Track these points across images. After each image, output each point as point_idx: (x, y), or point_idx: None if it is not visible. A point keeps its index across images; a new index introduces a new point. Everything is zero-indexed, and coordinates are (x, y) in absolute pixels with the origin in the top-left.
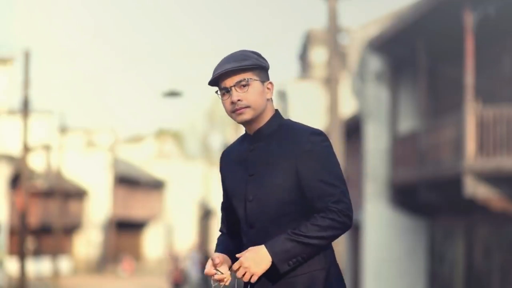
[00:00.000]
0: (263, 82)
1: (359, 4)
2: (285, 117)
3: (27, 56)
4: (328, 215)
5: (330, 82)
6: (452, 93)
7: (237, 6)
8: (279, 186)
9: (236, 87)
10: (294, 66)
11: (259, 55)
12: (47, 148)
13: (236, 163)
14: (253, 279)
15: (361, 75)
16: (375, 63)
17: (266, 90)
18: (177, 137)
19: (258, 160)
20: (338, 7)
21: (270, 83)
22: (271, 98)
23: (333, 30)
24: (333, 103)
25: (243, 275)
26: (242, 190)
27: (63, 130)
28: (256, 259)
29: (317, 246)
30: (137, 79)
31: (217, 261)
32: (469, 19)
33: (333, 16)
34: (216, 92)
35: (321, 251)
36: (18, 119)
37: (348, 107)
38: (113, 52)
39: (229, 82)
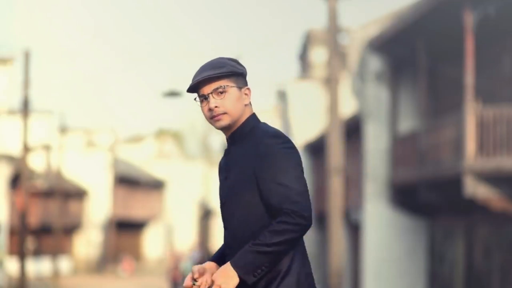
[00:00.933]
0: (240, 88)
1: (359, 4)
2: (285, 117)
3: (27, 56)
4: (282, 218)
5: (330, 82)
6: (452, 93)
7: (237, 6)
8: (244, 189)
9: (213, 94)
10: (294, 66)
11: (236, 62)
12: (47, 148)
13: (222, 168)
14: None
15: (361, 75)
16: (375, 63)
17: (244, 96)
18: (177, 137)
19: (230, 164)
20: (338, 7)
21: (248, 89)
22: (250, 103)
23: (333, 30)
24: (333, 103)
25: None
26: (220, 194)
27: (63, 130)
28: (226, 276)
29: (277, 251)
30: (137, 79)
31: (196, 275)
32: (469, 19)
33: (333, 16)
34: (195, 99)
35: (286, 254)
36: (18, 119)
37: (348, 107)
38: (113, 52)
39: (206, 89)
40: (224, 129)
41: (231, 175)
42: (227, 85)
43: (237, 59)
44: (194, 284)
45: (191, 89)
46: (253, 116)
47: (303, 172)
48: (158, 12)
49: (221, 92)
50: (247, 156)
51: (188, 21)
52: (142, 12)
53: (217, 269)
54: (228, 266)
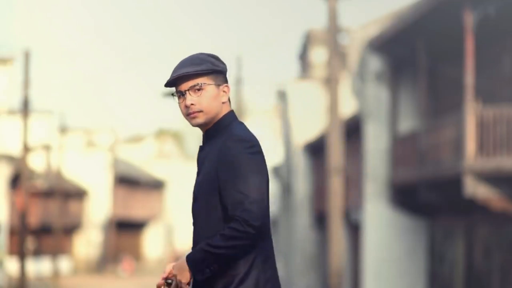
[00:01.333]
0: (218, 85)
1: (359, 4)
2: (285, 117)
3: (27, 56)
4: (232, 224)
5: (330, 82)
6: (452, 93)
7: (237, 6)
8: (209, 189)
9: (190, 91)
10: (294, 66)
11: (216, 58)
12: (47, 148)
13: (197, 163)
14: (183, 285)
15: (361, 75)
16: (375, 63)
17: (222, 93)
18: (177, 137)
19: (201, 161)
20: (338, 7)
21: (226, 86)
22: (228, 100)
23: (333, 30)
24: (333, 103)
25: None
26: (193, 190)
27: (63, 130)
28: (180, 269)
29: (225, 255)
30: (137, 79)
31: (164, 274)
32: (469, 19)
33: (333, 16)
34: (173, 94)
35: (240, 257)
36: (18, 119)
37: (348, 107)
38: (113, 52)
39: (184, 86)
40: (200, 126)
41: (201, 172)
42: (205, 83)
43: (238, 58)
44: (166, 283)
45: (169, 84)
46: (230, 114)
47: (265, 179)
48: (158, 12)
49: (198, 90)
50: (214, 156)
51: (188, 21)
52: (142, 12)
53: None
54: (183, 259)
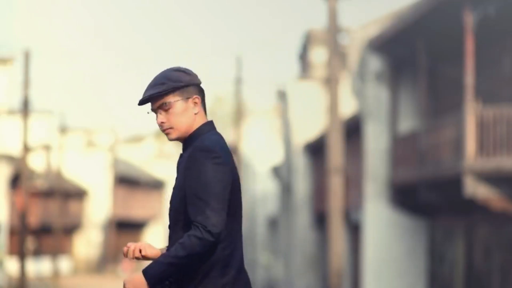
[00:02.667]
0: (187, 99)
1: (359, 4)
2: (285, 117)
3: (27, 56)
4: (191, 231)
5: (330, 82)
6: (452, 93)
7: (237, 6)
8: (178, 196)
9: (160, 110)
10: (294, 66)
11: (183, 71)
12: (47, 148)
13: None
14: None
15: (361, 75)
16: (375, 63)
17: (192, 105)
18: None
19: (178, 168)
20: (338, 7)
21: (197, 97)
22: (203, 109)
23: (333, 30)
24: (333, 103)
25: None
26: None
27: (63, 130)
28: (134, 283)
29: (185, 264)
30: (137, 79)
31: (125, 249)
32: (469, 19)
33: (333, 16)
34: (148, 112)
35: (197, 265)
36: (18, 119)
37: (348, 107)
38: (113, 52)
39: (154, 105)
40: (175, 140)
41: (176, 179)
42: (170, 101)
43: (238, 58)
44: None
45: (141, 103)
46: (205, 125)
47: (226, 189)
48: (158, 12)
49: (167, 108)
50: (181, 166)
51: (188, 21)
52: (142, 12)
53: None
54: (139, 274)
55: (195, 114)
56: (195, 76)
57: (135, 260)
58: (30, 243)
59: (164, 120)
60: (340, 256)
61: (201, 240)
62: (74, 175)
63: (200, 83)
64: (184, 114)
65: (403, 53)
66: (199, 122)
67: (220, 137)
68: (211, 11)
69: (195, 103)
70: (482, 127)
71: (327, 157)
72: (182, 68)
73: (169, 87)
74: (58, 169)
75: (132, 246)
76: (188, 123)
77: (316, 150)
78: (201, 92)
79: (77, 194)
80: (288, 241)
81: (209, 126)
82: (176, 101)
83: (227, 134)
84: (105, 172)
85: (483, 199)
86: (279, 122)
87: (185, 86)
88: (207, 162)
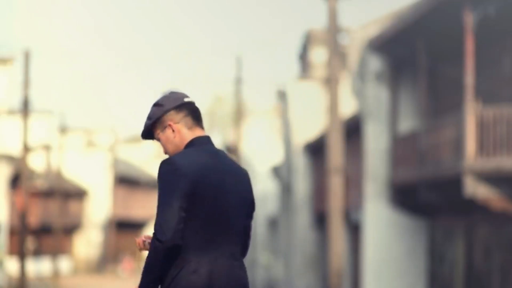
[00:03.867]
0: (164, 128)
1: (359, 4)
2: (285, 117)
3: (27, 56)
4: (151, 240)
5: (330, 82)
6: (452, 93)
7: (237, 6)
8: None
9: (158, 141)
10: (294, 66)
11: (156, 105)
12: (47, 148)
13: None
14: None
15: (361, 75)
16: (375, 63)
17: (171, 132)
18: None
19: None
20: (338, 7)
21: (169, 124)
22: (184, 129)
23: (333, 30)
24: (333, 103)
25: None
26: None
27: (63, 130)
28: None
29: (152, 271)
30: (137, 79)
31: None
32: (469, 19)
33: (333, 16)
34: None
35: (168, 270)
36: (18, 119)
37: (348, 107)
38: (113, 52)
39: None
40: None
41: None
42: (157, 135)
43: (238, 58)
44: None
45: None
46: (188, 143)
47: (178, 199)
48: (158, 12)
49: (159, 140)
50: None
51: (188, 21)
52: (142, 12)
53: None
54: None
55: (174, 138)
56: (172, 100)
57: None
58: (30, 243)
59: (163, 150)
60: (340, 256)
61: (154, 248)
62: (74, 175)
63: (177, 104)
64: (169, 142)
65: (403, 53)
66: (184, 142)
67: (194, 151)
68: (211, 11)
69: (173, 130)
70: (482, 127)
71: (327, 157)
72: (158, 100)
73: (147, 126)
74: (58, 169)
75: (142, 237)
76: (175, 148)
77: (316, 150)
78: (181, 111)
79: (77, 194)
80: (288, 241)
81: (189, 144)
82: (158, 134)
83: (227, 134)
84: (105, 172)
85: (483, 199)
86: (279, 122)
87: (157, 119)
88: (163, 174)
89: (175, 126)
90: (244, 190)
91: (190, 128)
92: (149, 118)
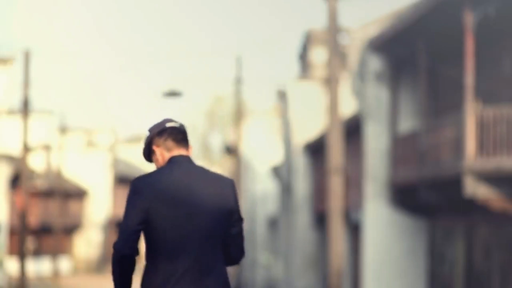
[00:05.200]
0: (154, 150)
1: (359, 4)
2: (285, 117)
3: (27, 56)
4: None
5: (330, 82)
6: (452, 93)
7: (237, 6)
8: None
9: None
10: (294, 66)
11: (148, 130)
12: (47, 148)
13: None
14: None
15: (361, 75)
16: (375, 63)
17: (156, 155)
18: None
19: None
20: (338, 7)
21: (154, 148)
22: (165, 151)
23: (333, 30)
24: (333, 103)
25: None
26: None
27: (63, 130)
28: None
29: (113, 274)
30: (137, 79)
31: None
32: (469, 19)
33: (333, 16)
34: None
35: (145, 277)
36: (18, 119)
37: (348, 107)
38: (113, 52)
39: None
40: None
41: None
42: (152, 157)
43: (238, 58)
44: None
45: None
46: (167, 163)
47: (134, 217)
48: (158, 12)
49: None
50: None
51: (188, 21)
52: (142, 12)
53: None
54: None
55: (158, 160)
56: (155, 127)
57: None
58: (30, 243)
59: None
60: (340, 256)
61: (112, 254)
62: (74, 175)
63: (157, 131)
64: (156, 163)
65: (403, 53)
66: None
67: (162, 169)
68: (211, 11)
69: (155, 154)
70: (482, 127)
71: (327, 157)
72: (148, 128)
73: (142, 152)
74: (58, 169)
75: None
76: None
77: (316, 150)
78: (162, 136)
79: (77, 194)
80: (288, 241)
81: (169, 161)
82: (152, 157)
83: (227, 134)
84: (105, 172)
85: (483, 199)
86: (279, 122)
87: (146, 146)
88: (131, 187)
89: (157, 150)
90: (219, 201)
91: (169, 150)
92: (144, 144)
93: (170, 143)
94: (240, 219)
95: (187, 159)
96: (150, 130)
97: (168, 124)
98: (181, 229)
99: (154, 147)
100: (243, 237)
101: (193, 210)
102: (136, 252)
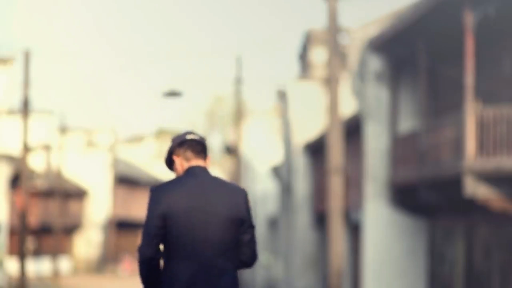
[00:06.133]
0: (174, 159)
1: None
2: (285, 117)
3: (27, 56)
4: None
5: (330, 82)
6: (452, 93)
7: (237, 6)
8: None
9: None
10: (294, 66)
11: (171, 140)
12: (47, 148)
13: None
14: None
15: (361, 75)
16: (375, 63)
17: (176, 162)
18: None
19: None
20: (338, 7)
21: (174, 157)
22: (189, 155)
23: (333, 30)
24: (333, 103)
25: None
26: None
27: (63, 130)
28: None
29: (140, 275)
30: (137, 79)
31: None
32: (469, 19)
33: (333, 16)
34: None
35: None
36: (18, 119)
37: (348, 107)
38: (113, 52)
39: None
40: None
41: None
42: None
43: (238, 58)
44: None
45: None
46: (184, 172)
47: (151, 222)
48: (158, 12)
49: None
50: None
51: (188, 21)
52: (142, 12)
53: None
54: None
55: (177, 168)
56: (177, 138)
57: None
58: (30, 243)
59: None
60: (340, 256)
61: (137, 257)
62: (74, 175)
63: (178, 142)
64: (176, 171)
65: (403, 53)
66: (183, 171)
67: (180, 179)
68: (211, 11)
69: (175, 163)
70: (482, 127)
71: (327, 157)
72: (172, 139)
73: (165, 160)
74: (58, 169)
75: None
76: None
77: (316, 150)
78: (182, 147)
79: (77, 194)
80: (288, 241)
81: (186, 171)
82: (173, 165)
83: (227, 134)
84: (105, 172)
85: (483, 199)
86: (279, 122)
87: (168, 155)
88: (148, 199)
89: (177, 160)
90: (231, 210)
91: (188, 160)
92: (166, 153)
93: (189, 154)
94: (251, 227)
95: (203, 170)
96: (173, 140)
97: (188, 136)
98: (195, 234)
99: (175, 157)
100: (255, 242)
101: (206, 217)
102: (159, 253)
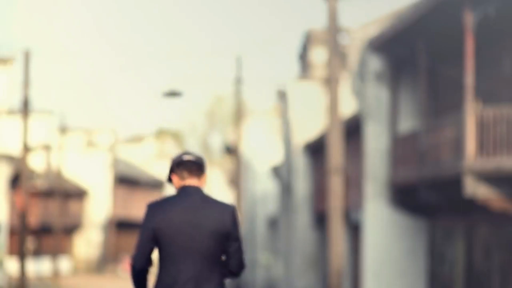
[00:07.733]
0: (171, 177)
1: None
2: (285, 117)
3: (27, 56)
4: None
5: (330, 82)
6: (452, 93)
7: (237, 6)
8: None
9: None
10: (294, 66)
11: (171, 160)
12: (47, 148)
13: None
14: None
15: (361, 75)
16: (375, 63)
17: (174, 180)
18: (177, 137)
19: None
20: (338, 7)
21: (171, 176)
22: (184, 175)
23: (333, 30)
24: (333, 103)
25: None
26: None
27: (63, 130)
28: None
29: (132, 283)
30: (137, 79)
31: None
32: (469, 19)
33: (333, 16)
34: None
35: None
36: (18, 119)
37: (348, 107)
38: (113, 52)
39: None
40: None
41: None
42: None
43: (238, 58)
44: None
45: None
46: (178, 190)
47: (144, 236)
48: (158, 12)
49: None
50: None
51: (188, 21)
52: (142, 12)
53: None
54: None
55: (174, 185)
56: (175, 158)
57: None
58: (30, 243)
59: None
60: (340, 256)
61: (130, 268)
62: (74, 175)
63: (175, 162)
64: (174, 187)
65: (403, 53)
66: (178, 188)
67: (173, 197)
68: (211, 11)
69: (173, 180)
70: (482, 127)
71: (327, 157)
72: (172, 158)
73: (166, 178)
74: (58, 169)
75: None
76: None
77: (316, 150)
78: (179, 167)
79: (77, 194)
80: (288, 241)
81: (179, 189)
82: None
83: (227, 134)
84: (105, 172)
85: (483, 199)
86: (279, 122)
87: (168, 174)
88: (143, 216)
89: (175, 178)
90: (218, 225)
91: (183, 179)
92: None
93: (184, 173)
94: (237, 240)
95: (196, 189)
96: (172, 160)
97: (185, 157)
98: (184, 247)
99: (173, 175)
100: (241, 253)
101: (194, 231)
102: (149, 264)
